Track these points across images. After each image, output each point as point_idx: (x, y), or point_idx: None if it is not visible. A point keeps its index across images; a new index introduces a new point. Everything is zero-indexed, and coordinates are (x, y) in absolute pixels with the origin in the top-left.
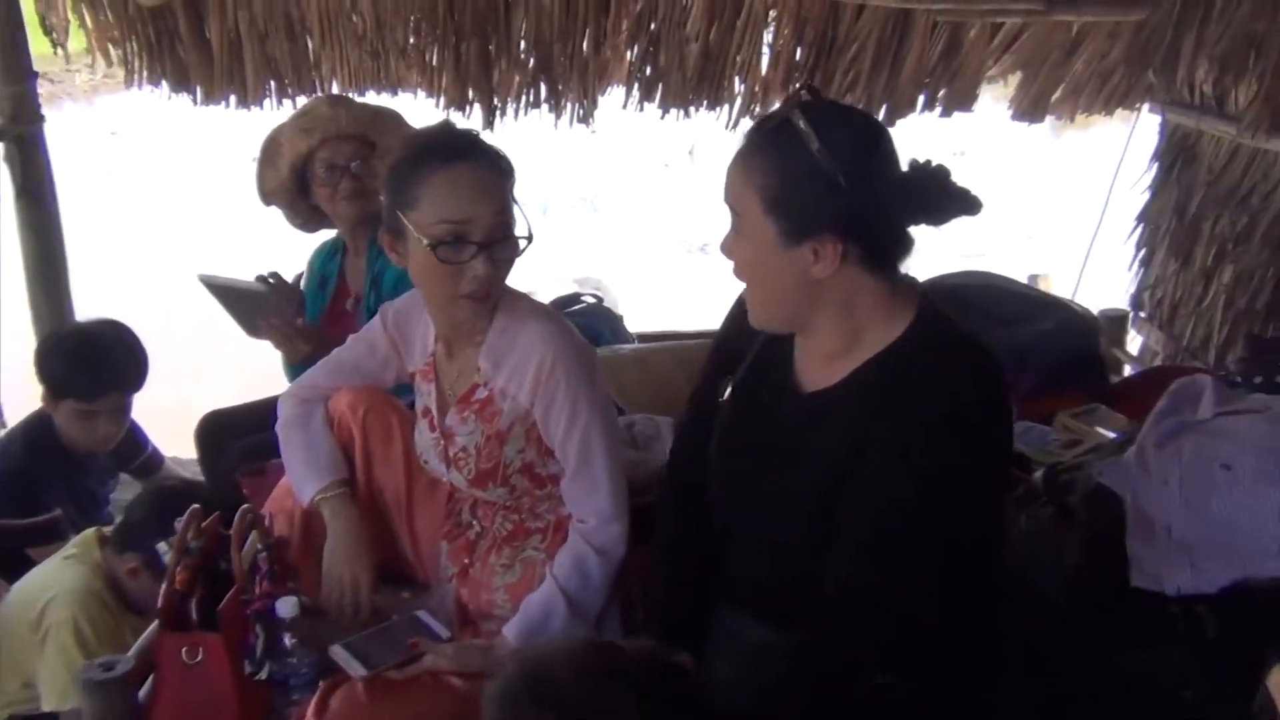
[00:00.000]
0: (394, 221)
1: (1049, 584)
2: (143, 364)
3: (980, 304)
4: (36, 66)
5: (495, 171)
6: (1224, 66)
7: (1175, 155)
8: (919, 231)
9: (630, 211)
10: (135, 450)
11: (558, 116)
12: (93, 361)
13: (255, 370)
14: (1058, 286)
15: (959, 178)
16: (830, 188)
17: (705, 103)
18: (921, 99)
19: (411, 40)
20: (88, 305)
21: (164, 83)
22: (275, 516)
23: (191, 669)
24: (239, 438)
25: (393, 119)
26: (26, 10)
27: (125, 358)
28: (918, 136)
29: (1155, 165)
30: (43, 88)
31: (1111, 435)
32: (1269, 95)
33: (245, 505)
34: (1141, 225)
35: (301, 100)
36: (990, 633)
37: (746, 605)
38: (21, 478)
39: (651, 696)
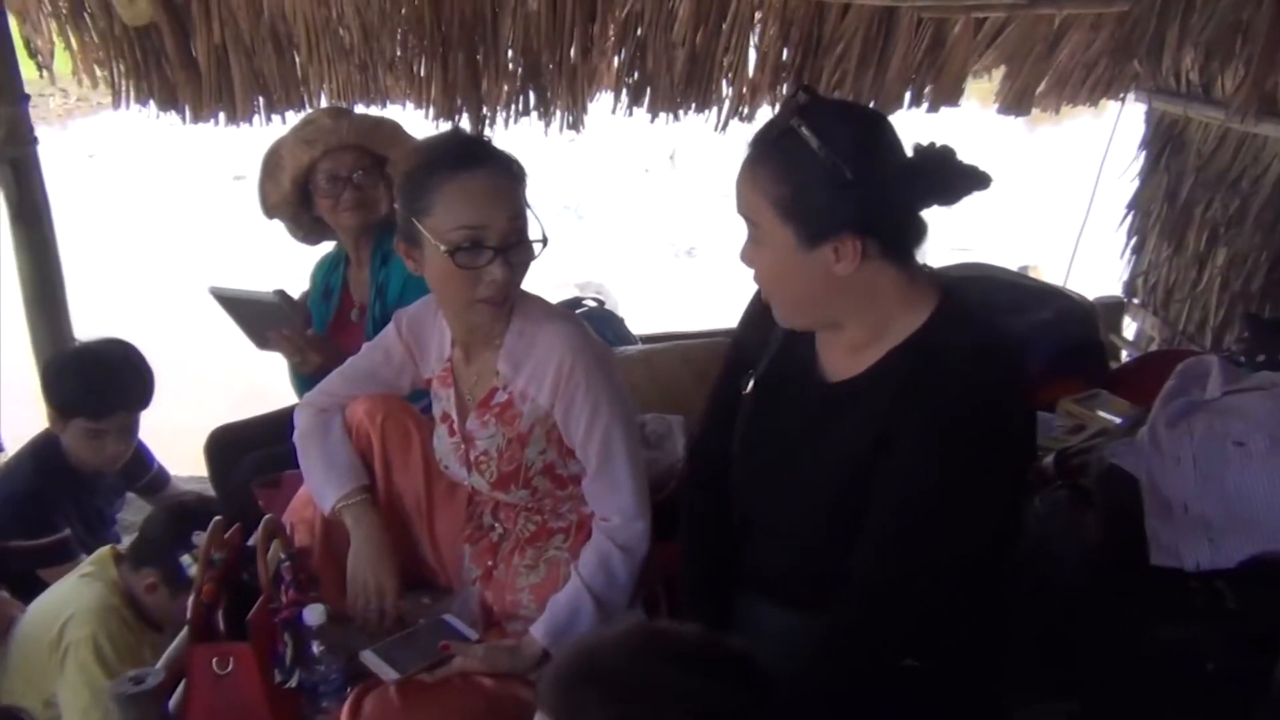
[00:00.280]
0: (410, 229)
1: (1068, 565)
2: (149, 382)
3: (979, 295)
4: None
5: (508, 176)
6: (1210, 53)
7: (1163, 142)
8: None
9: (615, 218)
10: (142, 469)
11: (547, 124)
12: (101, 381)
13: (236, 388)
14: (1047, 277)
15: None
16: (841, 187)
17: (694, 106)
18: (908, 96)
19: (399, 52)
20: (83, 326)
21: (151, 102)
22: (296, 526)
23: (223, 679)
24: (247, 452)
25: (393, 129)
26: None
27: (132, 376)
28: (900, 134)
29: (1143, 153)
30: None
31: (1114, 420)
32: (1257, 79)
33: (268, 515)
34: (1132, 212)
35: (290, 115)
36: (1009, 614)
37: (767, 594)
38: (31, 499)
39: (706, 675)
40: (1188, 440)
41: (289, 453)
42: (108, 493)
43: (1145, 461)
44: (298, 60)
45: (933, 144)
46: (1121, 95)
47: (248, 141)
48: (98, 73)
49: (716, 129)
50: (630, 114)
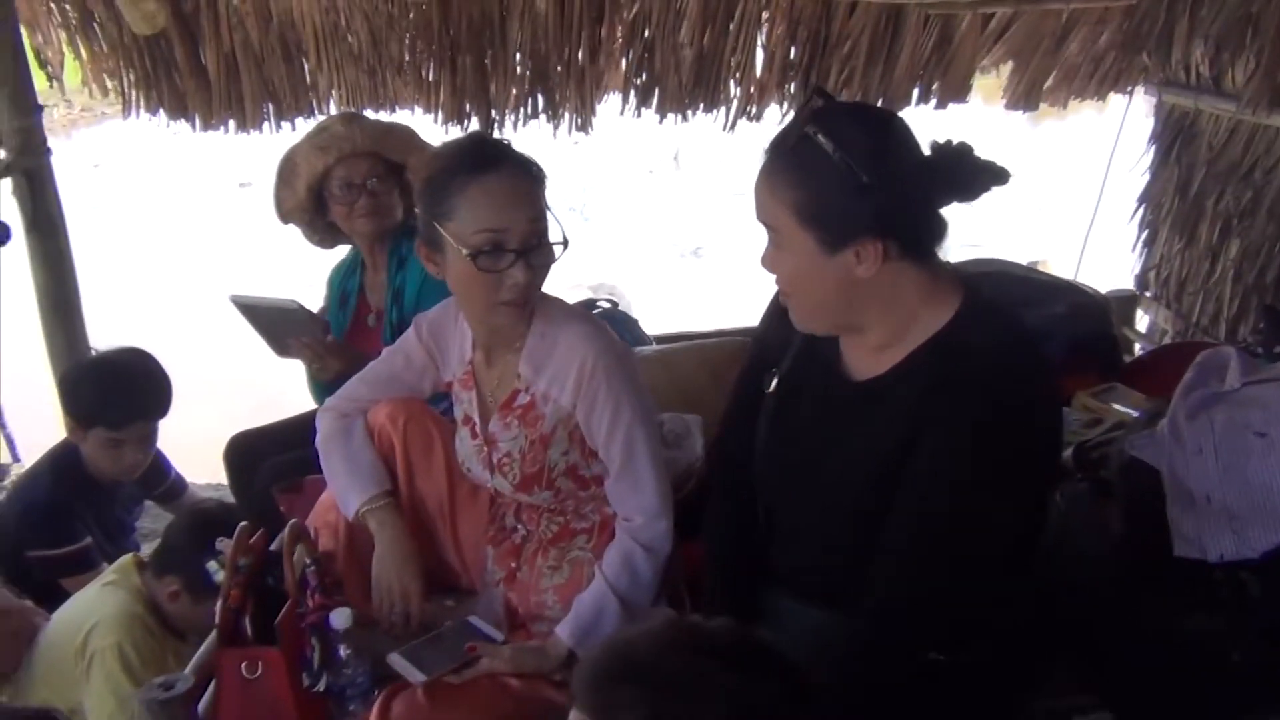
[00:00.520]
0: (431, 233)
1: (1091, 557)
2: (168, 391)
3: (992, 290)
4: None
5: (528, 178)
6: (1220, 45)
7: (1174, 135)
8: None
9: (620, 219)
10: (159, 477)
11: (555, 126)
12: (119, 390)
13: (252, 395)
14: (1057, 271)
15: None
16: (859, 191)
17: (702, 106)
18: (916, 92)
19: (407, 57)
20: (97, 336)
21: (161, 111)
22: (319, 531)
23: (251, 683)
24: (266, 457)
25: (406, 135)
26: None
27: (151, 385)
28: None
29: (1153, 146)
30: None
31: (1131, 412)
32: (1268, 71)
33: (293, 520)
34: (1143, 206)
35: (301, 122)
36: (1036, 607)
37: (792, 590)
38: (52, 508)
39: (741, 668)
40: (1209, 431)
41: (309, 458)
42: (127, 501)
43: (1166, 453)
44: (306, 67)
45: (949, 141)
46: (1129, 89)
47: (252, 149)
48: (108, 83)
49: (725, 129)
50: (639, 115)
